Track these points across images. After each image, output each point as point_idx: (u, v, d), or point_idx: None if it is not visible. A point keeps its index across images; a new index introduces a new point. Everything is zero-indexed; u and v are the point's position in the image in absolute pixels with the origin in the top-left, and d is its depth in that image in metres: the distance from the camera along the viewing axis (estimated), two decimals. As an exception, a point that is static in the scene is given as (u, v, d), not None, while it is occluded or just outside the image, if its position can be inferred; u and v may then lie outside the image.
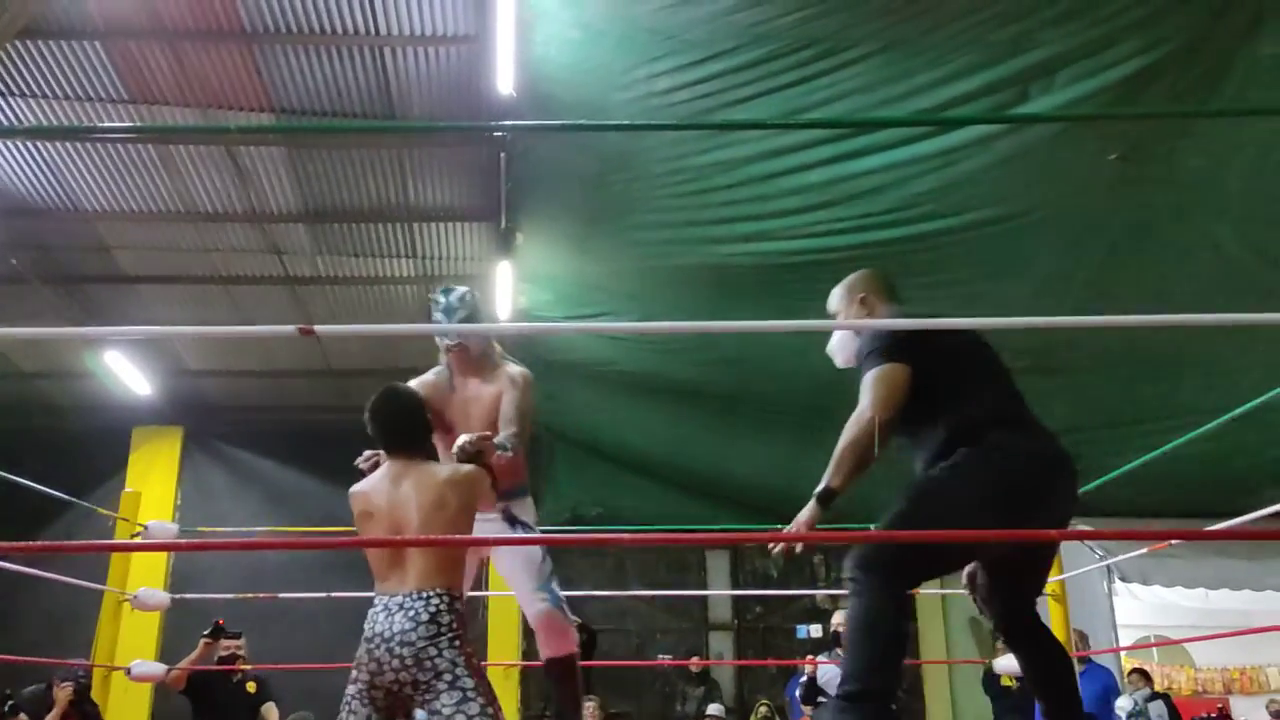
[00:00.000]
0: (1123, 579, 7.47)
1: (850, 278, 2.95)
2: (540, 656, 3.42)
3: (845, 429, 2.55)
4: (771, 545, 2.64)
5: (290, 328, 1.71)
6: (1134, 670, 6.83)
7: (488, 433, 2.98)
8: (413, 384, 3.45)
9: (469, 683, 2.48)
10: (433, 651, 2.47)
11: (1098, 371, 6.57)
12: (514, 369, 3.45)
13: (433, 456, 2.92)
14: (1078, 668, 4.91)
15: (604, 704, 8.75)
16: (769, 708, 8.55)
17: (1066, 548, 5.98)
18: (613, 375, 8.62)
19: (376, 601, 2.58)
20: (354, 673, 2.54)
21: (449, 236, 7.96)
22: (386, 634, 2.47)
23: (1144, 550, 3.94)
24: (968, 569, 2.82)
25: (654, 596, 10.46)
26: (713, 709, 8.69)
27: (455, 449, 2.86)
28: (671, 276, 6.70)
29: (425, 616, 2.49)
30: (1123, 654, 7.54)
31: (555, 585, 3.36)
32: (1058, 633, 4.72)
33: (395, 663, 2.45)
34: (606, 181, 6.03)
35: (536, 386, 3.47)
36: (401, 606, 2.51)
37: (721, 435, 9.04)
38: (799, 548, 2.58)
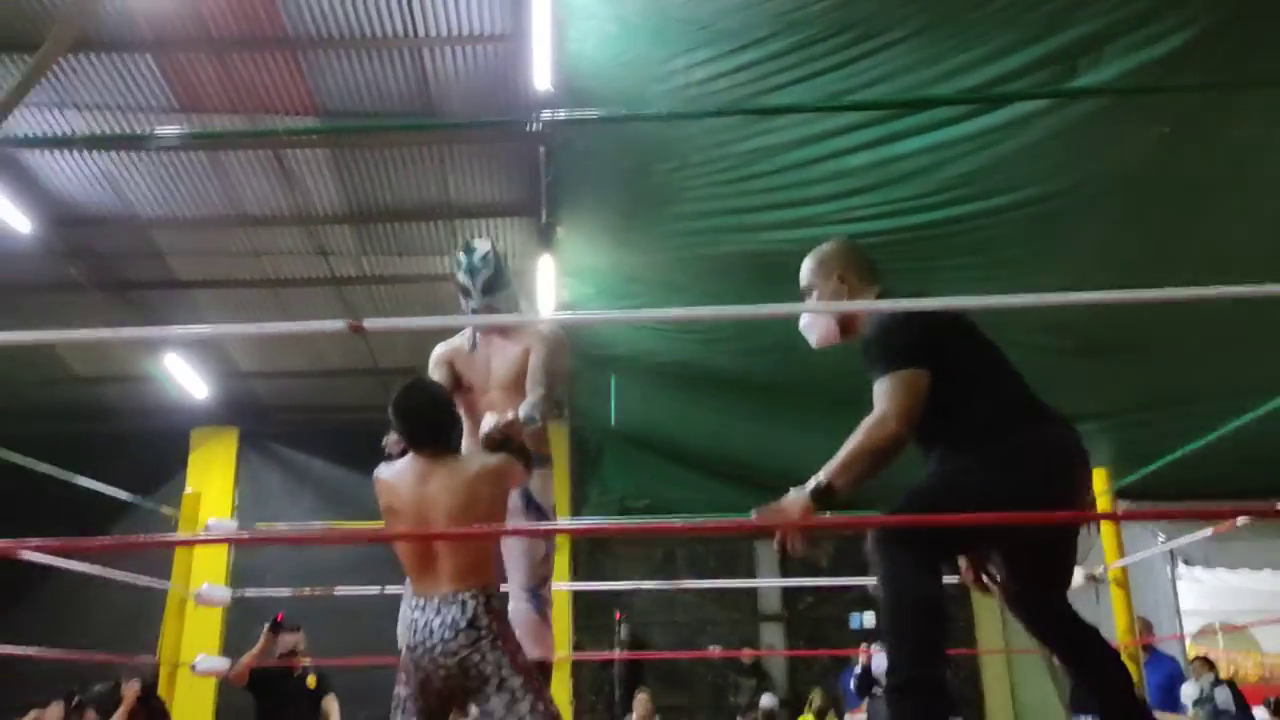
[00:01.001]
0: (1186, 563, 7.32)
1: (823, 250, 2.73)
2: None
3: (860, 430, 2.34)
4: (777, 547, 2.43)
5: (340, 323, 1.74)
6: (1197, 658, 6.68)
7: (510, 415, 2.81)
8: (436, 350, 3.35)
9: (516, 681, 2.43)
10: (476, 658, 2.41)
11: (1150, 351, 6.44)
12: (542, 325, 3.31)
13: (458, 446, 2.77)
14: (1141, 656, 4.82)
15: (655, 696, 8.79)
16: (823, 698, 8.52)
17: (1127, 532, 5.89)
18: (657, 368, 8.63)
19: (411, 604, 2.51)
20: (401, 675, 2.49)
21: (491, 232, 8.03)
22: (427, 643, 2.42)
23: (1207, 532, 3.84)
24: (964, 569, 2.71)
25: (704, 588, 10.47)
26: (766, 700, 8.69)
27: (481, 436, 2.74)
28: (712, 266, 6.70)
29: (463, 623, 2.42)
30: (1187, 641, 7.39)
31: (546, 590, 3.16)
32: (1119, 619, 4.66)
33: (441, 672, 2.41)
34: (646, 173, 6.04)
35: (568, 343, 3.29)
36: (438, 612, 2.45)
37: (766, 424, 9.01)
38: (797, 550, 2.38)
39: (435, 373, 3.26)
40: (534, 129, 6.23)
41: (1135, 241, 5.39)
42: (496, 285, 3.26)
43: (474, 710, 2.56)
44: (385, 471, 2.72)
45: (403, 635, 2.50)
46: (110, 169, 6.99)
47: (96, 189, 7.21)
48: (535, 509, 3.18)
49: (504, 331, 3.26)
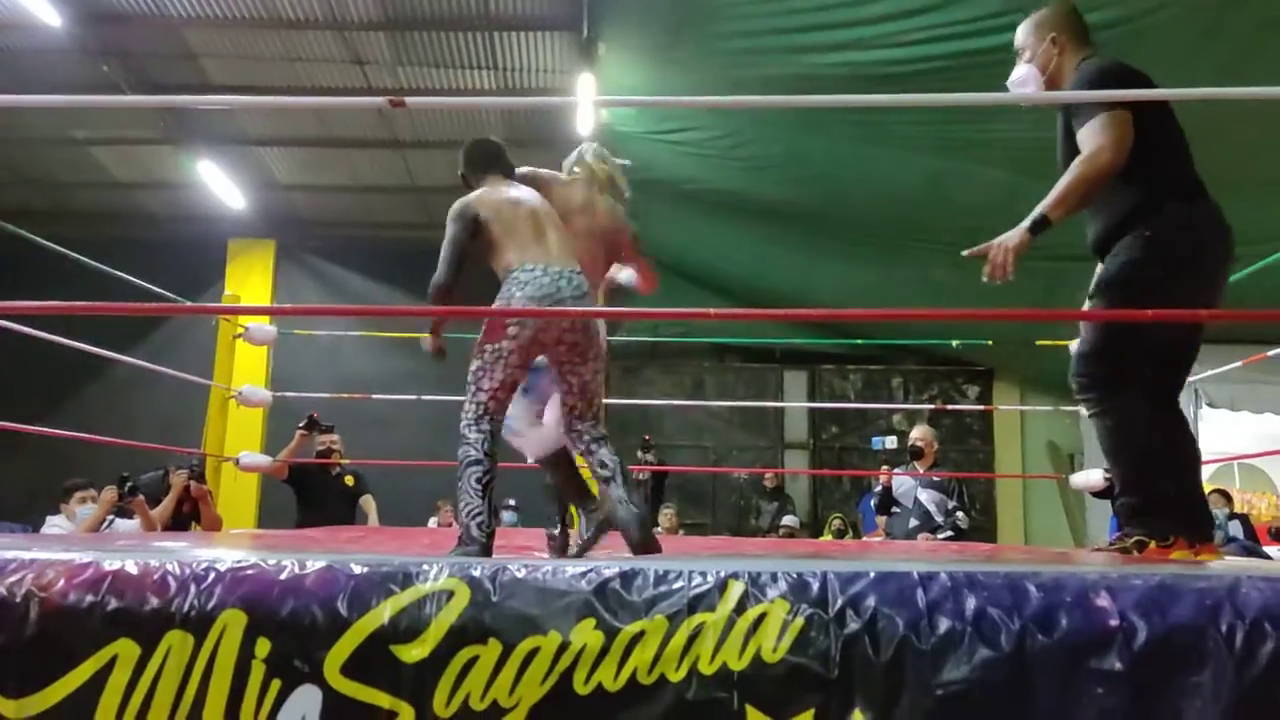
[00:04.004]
0: (1210, 405, 7.33)
1: (1039, 13, 2.84)
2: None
3: (1076, 165, 2.52)
4: (969, 252, 2.61)
5: (381, 99, 1.71)
6: (1214, 490, 6.80)
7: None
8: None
9: (601, 364, 2.77)
10: (595, 325, 2.73)
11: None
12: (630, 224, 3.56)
13: None
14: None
15: (680, 513, 9.10)
16: (843, 520, 8.80)
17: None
18: (697, 194, 8.52)
19: (535, 268, 2.66)
20: (513, 329, 2.60)
21: (530, 47, 7.80)
22: (560, 296, 2.62)
23: (1236, 364, 3.83)
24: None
25: (732, 411, 10.68)
26: (787, 520, 8.98)
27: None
28: (758, 90, 6.48)
29: (583, 290, 2.70)
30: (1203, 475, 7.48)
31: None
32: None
33: (566, 322, 2.64)
34: (693, -15, 5.78)
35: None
36: (564, 275, 2.66)
37: (806, 256, 8.95)
38: (1010, 272, 2.53)
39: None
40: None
41: (1213, 68, 5.09)
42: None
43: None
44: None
45: (537, 288, 2.63)
46: (139, -39, 6.79)
47: (126, -17, 7.02)
48: None
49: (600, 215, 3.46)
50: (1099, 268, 2.78)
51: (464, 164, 2.97)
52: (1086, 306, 2.81)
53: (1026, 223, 2.54)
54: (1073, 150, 2.60)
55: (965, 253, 2.64)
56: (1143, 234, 2.52)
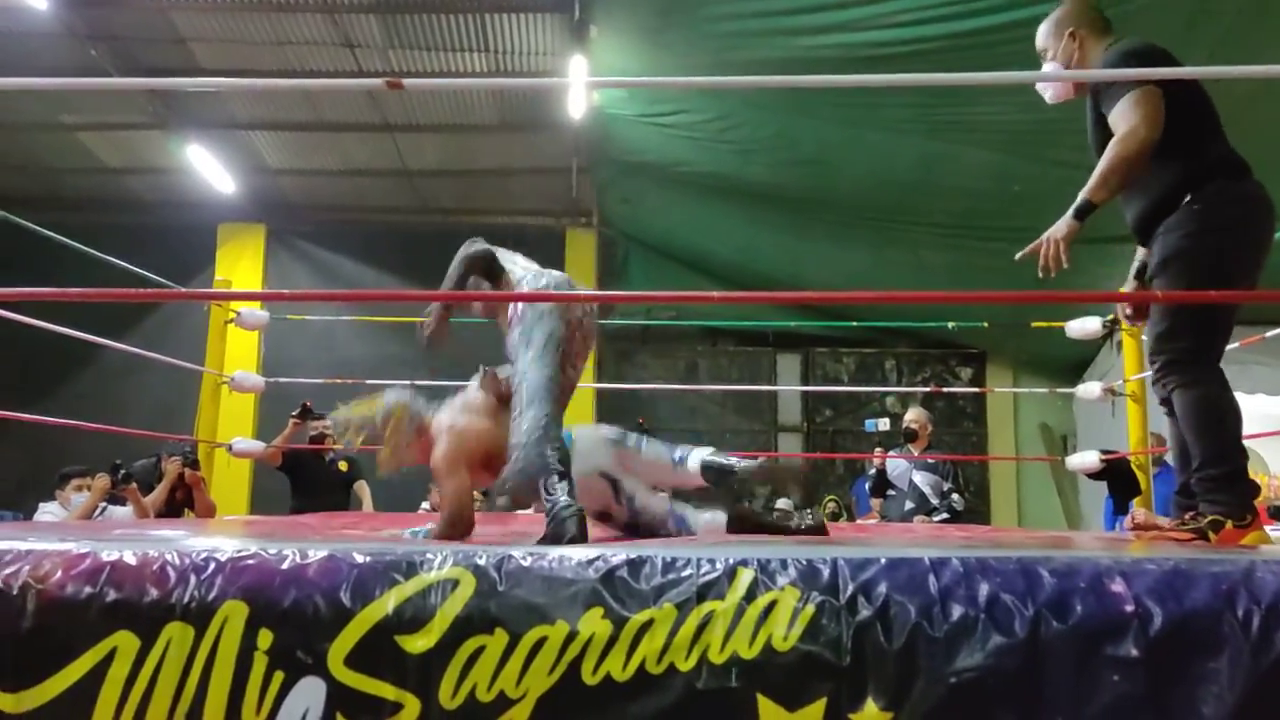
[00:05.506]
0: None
1: (1058, 10, 2.84)
2: None
3: (1112, 146, 2.51)
4: (1021, 255, 2.61)
5: (378, 81, 1.68)
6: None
7: None
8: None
9: None
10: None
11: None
12: None
13: None
14: (1152, 470, 4.92)
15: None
16: (837, 503, 8.80)
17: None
18: (688, 177, 8.49)
19: (545, 274, 2.82)
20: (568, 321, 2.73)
21: (521, 28, 7.72)
22: (587, 318, 2.81)
23: (1231, 346, 3.80)
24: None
25: (725, 394, 10.67)
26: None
27: None
28: (749, 72, 6.45)
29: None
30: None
31: None
32: (1133, 432, 4.72)
33: (588, 320, 2.82)
34: (684, -33, 5.73)
35: None
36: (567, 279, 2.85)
37: (798, 238, 8.93)
38: (1064, 261, 2.53)
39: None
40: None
41: (1208, 41, 5.08)
42: None
43: None
44: None
45: (553, 280, 2.78)
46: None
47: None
48: None
49: None
50: (1139, 251, 2.78)
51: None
52: (1132, 288, 2.83)
53: (1071, 211, 2.54)
54: (1104, 136, 2.59)
55: (1017, 256, 2.65)
56: (1191, 207, 2.50)
